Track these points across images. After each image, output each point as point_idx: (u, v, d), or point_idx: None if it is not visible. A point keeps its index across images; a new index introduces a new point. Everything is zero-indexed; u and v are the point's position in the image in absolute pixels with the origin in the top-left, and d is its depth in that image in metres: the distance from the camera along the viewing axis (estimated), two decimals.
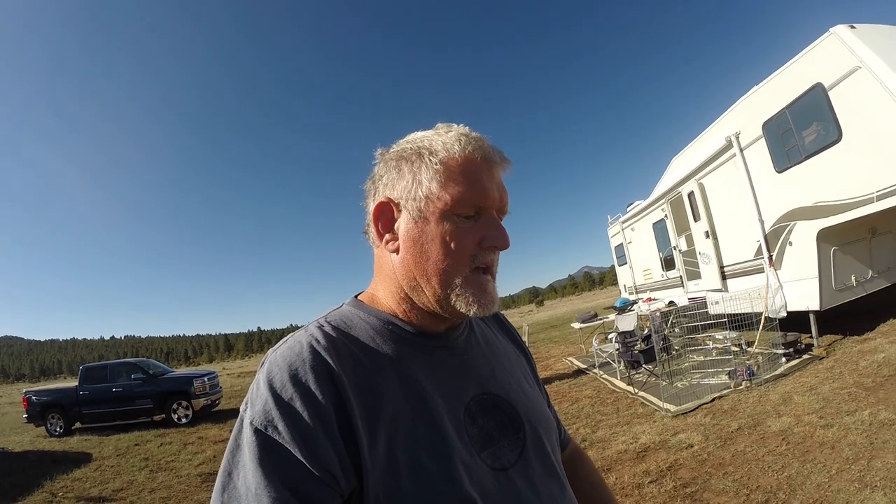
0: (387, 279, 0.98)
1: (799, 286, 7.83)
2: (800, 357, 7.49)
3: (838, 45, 6.60)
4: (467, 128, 0.95)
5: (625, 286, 17.12)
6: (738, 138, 8.68)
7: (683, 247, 11.46)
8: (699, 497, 4.03)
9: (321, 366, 0.80)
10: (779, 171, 7.96)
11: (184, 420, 12.44)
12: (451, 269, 0.87)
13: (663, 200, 12.00)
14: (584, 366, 11.17)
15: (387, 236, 0.95)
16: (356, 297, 1.04)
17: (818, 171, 7.21)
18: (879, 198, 6.30)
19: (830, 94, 6.78)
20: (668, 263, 12.70)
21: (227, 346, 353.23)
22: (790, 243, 7.90)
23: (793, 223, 7.79)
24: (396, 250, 0.94)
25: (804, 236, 7.56)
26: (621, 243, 16.51)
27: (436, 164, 0.89)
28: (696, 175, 10.34)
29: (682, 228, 11.33)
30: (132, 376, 13.14)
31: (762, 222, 8.41)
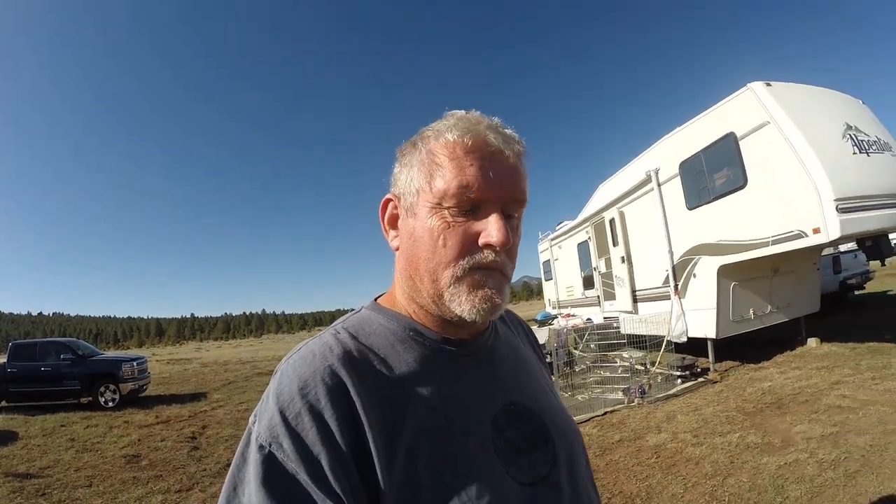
0: (397, 280, 0.95)
1: (699, 315, 8.50)
2: (695, 380, 8.10)
3: (753, 99, 7.25)
4: (475, 112, 0.89)
5: (549, 300, 17.72)
6: (657, 174, 9.31)
7: (603, 269, 12.06)
8: None
9: (333, 378, 0.77)
10: (690, 209, 8.64)
11: (110, 404, 12.18)
12: (440, 268, 0.82)
13: (588, 223, 12.58)
14: None
15: (391, 233, 0.94)
16: (376, 299, 1.01)
17: (724, 213, 7.89)
18: (774, 242, 7.03)
19: (741, 143, 7.46)
20: (588, 283, 13.26)
21: (159, 330, 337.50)
22: (694, 275, 8.58)
23: (698, 257, 8.46)
24: (398, 248, 0.92)
25: (706, 270, 8.23)
26: (549, 259, 17.06)
27: (424, 154, 0.86)
28: (618, 203, 10.93)
29: (603, 251, 11.88)
30: (61, 356, 12.79)
31: (672, 253, 9.07)
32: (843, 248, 12.75)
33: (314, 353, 0.81)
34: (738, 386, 7.41)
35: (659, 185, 9.28)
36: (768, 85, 7.23)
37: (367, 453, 0.73)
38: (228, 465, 3.53)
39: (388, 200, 0.94)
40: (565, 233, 14.94)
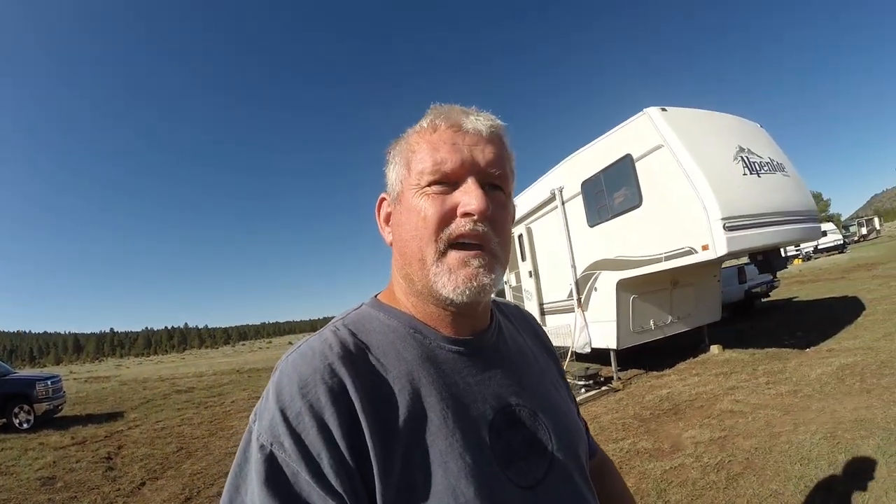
0: (394, 276, 0.96)
1: (601, 326, 8.78)
2: (599, 388, 8.31)
3: (648, 123, 7.57)
4: (452, 105, 0.91)
5: None
6: (561, 192, 9.58)
7: (513, 282, 12.35)
8: None
9: (333, 376, 0.77)
10: (591, 226, 8.96)
11: (25, 425, 11.51)
12: (424, 244, 0.83)
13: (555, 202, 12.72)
14: None
15: (386, 230, 0.96)
16: (376, 296, 1.00)
17: (622, 230, 8.22)
18: (667, 258, 7.36)
19: (637, 165, 7.78)
20: (500, 296, 13.22)
21: (77, 347, 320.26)
22: (596, 289, 8.87)
23: (599, 272, 8.77)
24: (392, 242, 0.94)
25: (606, 284, 8.52)
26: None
27: (404, 145, 0.90)
28: (526, 220, 11.22)
29: (513, 266, 12.08)
30: None
31: (575, 268, 9.34)
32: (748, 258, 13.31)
33: (314, 351, 0.81)
34: (639, 393, 7.66)
35: (563, 203, 9.54)
36: (663, 110, 7.56)
37: (367, 452, 0.73)
38: (143, 484, 4.50)
39: (383, 199, 0.96)
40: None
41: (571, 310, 9.58)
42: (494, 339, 0.97)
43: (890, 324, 9.08)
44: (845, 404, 5.48)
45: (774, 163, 8.11)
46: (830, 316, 11.17)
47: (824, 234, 45.16)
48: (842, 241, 45.11)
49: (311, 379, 0.75)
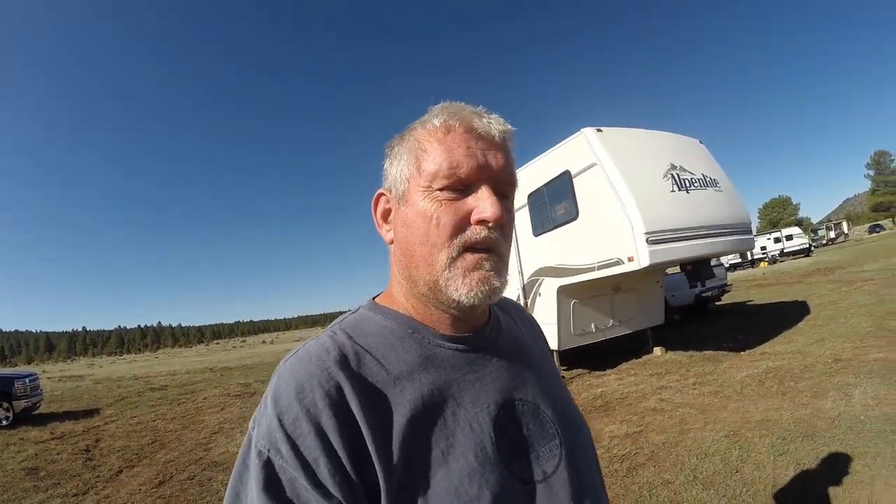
0: (393, 274, 0.95)
1: (545, 329, 9.27)
2: None
3: (584, 143, 8.18)
4: (462, 104, 0.90)
5: None
6: None
7: None
8: None
9: (329, 381, 0.77)
10: (535, 235, 9.64)
11: (4, 422, 11.60)
12: (435, 250, 0.82)
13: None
14: None
15: (385, 227, 0.94)
16: (373, 299, 1.00)
17: (562, 240, 8.88)
18: (599, 268, 8.01)
19: (574, 181, 8.43)
20: None
21: (49, 345, 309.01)
22: (540, 294, 9.49)
23: (542, 278, 9.40)
24: (392, 241, 0.92)
25: (548, 290, 9.14)
26: None
27: (412, 143, 0.87)
28: None
29: None
30: None
31: (522, 274, 9.98)
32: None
33: (311, 356, 0.81)
34: (576, 391, 8.09)
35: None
36: (599, 130, 8.14)
37: (366, 456, 0.73)
38: (120, 472, 5.51)
39: (381, 195, 0.94)
40: None
41: None
42: (493, 335, 0.97)
43: (825, 329, 9.52)
44: (759, 405, 5.86)
45: (707, 179, 8.72)
46: (775, 320, 11.65)
47: (790, 238, 46.22)
48: (807, 245, 45.74)
49: (307, 384, 0.76)
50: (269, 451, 0.73)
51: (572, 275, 8.62)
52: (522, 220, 9.93)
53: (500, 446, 0.81)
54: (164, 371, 26.10)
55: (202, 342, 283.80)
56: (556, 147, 9.11)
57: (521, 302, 9.83)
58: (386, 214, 0.94)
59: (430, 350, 0.87)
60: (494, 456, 0.79)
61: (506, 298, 1.14)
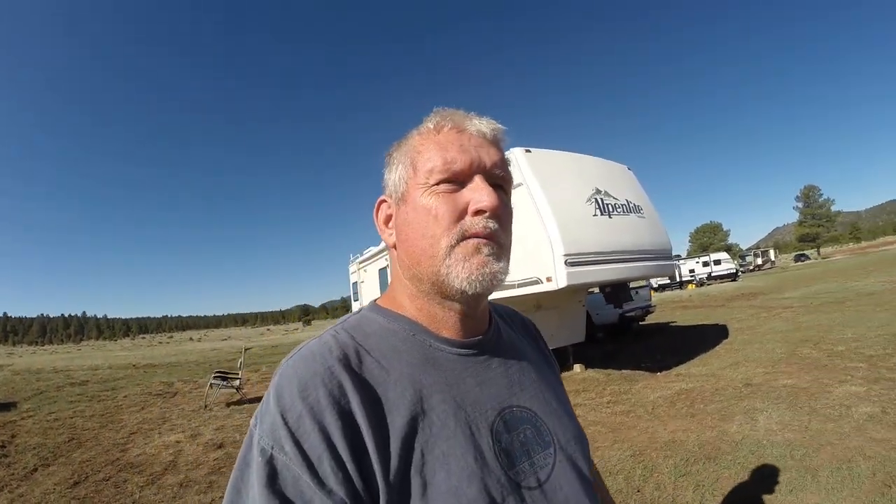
0: (397, 278, 0.96)
1: None
2: None
3: (513, 163, 8.14)
4: (454, 109, 0.93)
5: None
6: None
7: None
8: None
9: (332, 379, 0.77)
10: None
11: None
12: (435, 241, 0.83)
13: (387, 251, 12.96)
14: None
15: (387, 231, 0.96)
16: (375, 301, 1.00)
17: None
18: (520, 286, 8.13)
19: None
20: None
21: None
22: None
23: None
24: (395, 245, 0.94)
25: None
26: (357, 281, 17.65)
27: (409, 147, 0.90)
28: None
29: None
30: None
31: None
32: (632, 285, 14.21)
33: (314, 354, 0.82)
34: None
35: None
36: (528, 151, 8.28)
37: (367, 455, 0.73)
38: (35, 470, 5.24)
39: (382, 202, 0.96)
40: (369, 258, 15.86)
41: None
42: (494, 342, 0.98)
43: (740, 354, 9.81)
44: (668, 426, 5.99)
45: (630, 205, 9.01)
46: (695, 342, 11.96)
47: (718, 262, 47.78)
48: (734, 270, 47.55)
49: (310, 382, 0.76)
50: (272, 448, 0.73)
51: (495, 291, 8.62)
52: None
53: (498, 451, 0.82)
54: (86, 365, 25.22)
55: (128, 336, 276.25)
56: None
57: None
58: (387, 220, 0.96)
59: (431, 353, 0.88)
60: (493, 460, 0.80)
61: (503, 306, 1.19)
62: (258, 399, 10.52)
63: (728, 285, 38.42)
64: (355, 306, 18.30)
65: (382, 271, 14.20)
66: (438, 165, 0.84)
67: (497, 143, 0.91)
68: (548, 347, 1.22)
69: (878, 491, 3.77)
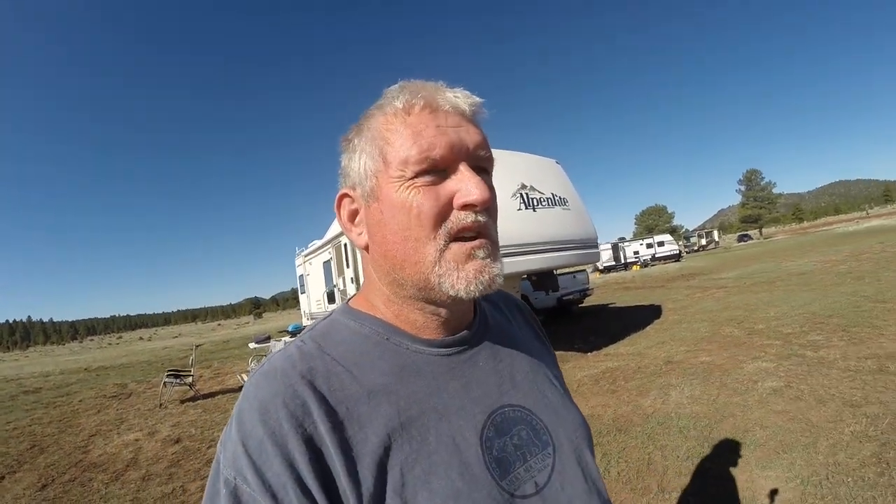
0: (369, 279, 0.87)
1: None
2: None
3: None
4: (421, 81, 0.79)
5: (304, 312, 18.36)
6: None
7: (341, 286, 12.99)
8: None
9: (295, 400, 0.69)
10: None
11: None
12: (420, 245, 0.73)
13: (330, 245, 13.53)
14: None
15: (355, 230, 0.84)
16: (347, 302, 0.90)
17: None
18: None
19: None
20: (331, 298, 13.91)
21: None
22: None
23: None
24: (366, 245, 0.83)
25: None
26: (303, 274, 17.61)
27: (374, 132, 0.77)
28: None
29: (342, 271, 12.90)
30: None
31: None
32: (564, 271, 14.90)
33: (275, 371, 0.74)
34: None
35: None
36: None
37: (336, 481, 0.67)
38: (2, 479, 5.92)
39: (343, 196, 0.84)
40: (314, 251, 15.84)
41: None
42: (480, 334, 0.89)
43: (668, 334, 10.16)
44: (589, 402, 6.27)
45: (556, 198, 9.53)
46: (628, 323, 12.46)
47: (661, 244, 49.10)
48: (678, 251, 49.07)
49: (271, 404, 0.69)
50: (235, 478, 0.66)
51: None
52: None
53: (489, 460, 0.74)
54: (36, 372, 24.67)
55: (76, 339, 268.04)
56: None
57: None
58: (353, 216, 0.84)
59: (408, 358, 0.79)
60: (482, 473, 0.73)
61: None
62: (211, 395, 11.08)
63: (671, 266, 39.36)
64: (303, 300, 18.53)
65: (326, 264, 14.20)
66: (414, 155, 0.72)
67: (476, 120, 0.80)
68: (542, 328, 1.13)
69: (769, 458, 4.09)
